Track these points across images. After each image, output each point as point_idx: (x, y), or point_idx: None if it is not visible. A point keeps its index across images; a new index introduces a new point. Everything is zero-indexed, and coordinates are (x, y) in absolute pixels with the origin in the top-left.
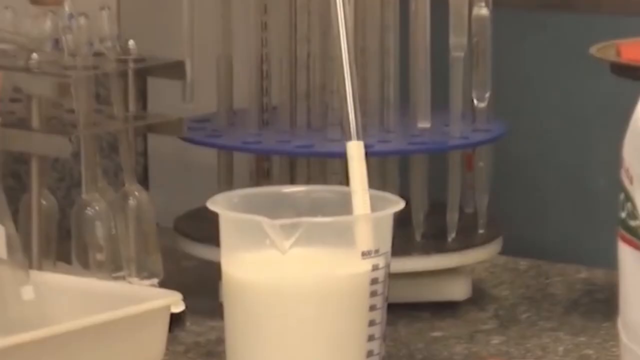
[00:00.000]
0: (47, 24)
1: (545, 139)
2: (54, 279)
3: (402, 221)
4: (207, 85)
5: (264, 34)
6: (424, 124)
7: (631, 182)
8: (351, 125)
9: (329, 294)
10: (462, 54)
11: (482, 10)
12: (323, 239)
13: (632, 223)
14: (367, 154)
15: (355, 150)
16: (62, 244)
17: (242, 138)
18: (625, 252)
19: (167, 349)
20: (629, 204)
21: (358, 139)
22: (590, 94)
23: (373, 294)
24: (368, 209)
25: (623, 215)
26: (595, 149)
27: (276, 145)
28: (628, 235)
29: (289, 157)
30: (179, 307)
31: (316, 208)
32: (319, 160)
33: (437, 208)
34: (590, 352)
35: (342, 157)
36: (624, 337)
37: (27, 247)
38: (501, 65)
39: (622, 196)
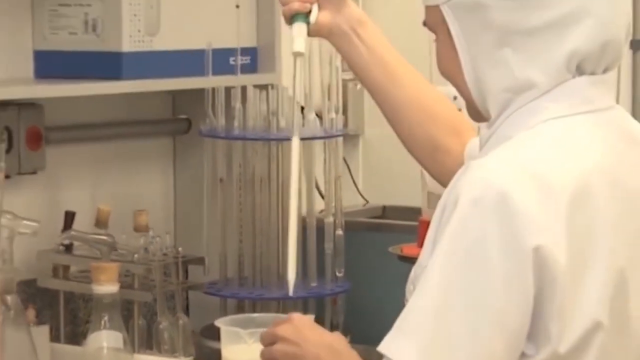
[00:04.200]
0: (141, 241)
1: (375, 293)
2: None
3: None
4: (215, 266)
5: (241, 237)
6: (313, 283)
7: None
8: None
9: None
10: (331, 252)
11: (339, 232)
12: None
13: None
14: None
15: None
16: (149, 341)
17: (232, 291)
18: None
19: None
20: None
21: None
22: (390, 273)
23: None
24: None
25: None
26: (392, 294)
27: (247, 294)
28: None
29: (253, 300)
30: None
31: (267, 324)
32: (267, 302)
33: (318, 323)
34: None
35: (279, 299)
36: None
37: (132, 343)
38: (350, 256)
39: None
